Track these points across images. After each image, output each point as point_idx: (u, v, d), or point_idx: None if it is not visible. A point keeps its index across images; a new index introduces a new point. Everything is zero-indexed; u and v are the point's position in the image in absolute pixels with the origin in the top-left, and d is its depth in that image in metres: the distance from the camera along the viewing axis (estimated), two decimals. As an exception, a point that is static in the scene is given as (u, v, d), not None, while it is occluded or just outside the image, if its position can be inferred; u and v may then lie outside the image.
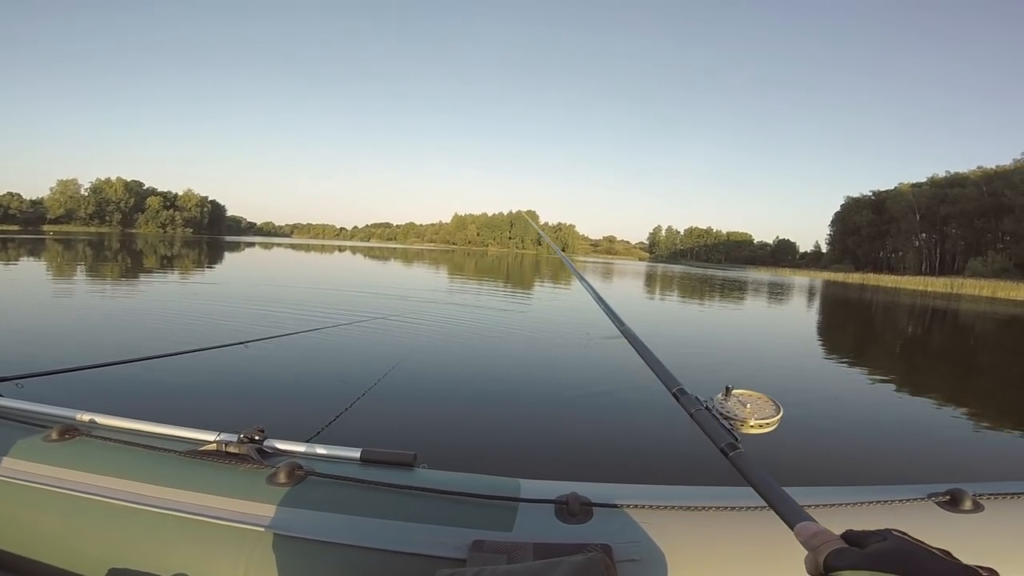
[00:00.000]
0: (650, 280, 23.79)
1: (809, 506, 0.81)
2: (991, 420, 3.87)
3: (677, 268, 51.18)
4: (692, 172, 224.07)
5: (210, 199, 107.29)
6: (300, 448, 1.01)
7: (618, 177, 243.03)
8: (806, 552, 0.44)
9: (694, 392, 0.75)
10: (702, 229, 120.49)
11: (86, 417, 1.09)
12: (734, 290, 19.13)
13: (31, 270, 11.40)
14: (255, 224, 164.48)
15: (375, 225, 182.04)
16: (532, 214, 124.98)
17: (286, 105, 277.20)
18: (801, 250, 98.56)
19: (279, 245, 48.69)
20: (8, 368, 1.31)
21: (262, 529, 0.81)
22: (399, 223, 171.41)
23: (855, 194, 74.00)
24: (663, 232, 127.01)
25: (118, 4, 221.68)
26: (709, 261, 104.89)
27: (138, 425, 1.07)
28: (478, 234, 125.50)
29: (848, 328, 11.04)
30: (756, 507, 0.82)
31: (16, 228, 63.14)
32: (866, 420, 3.65)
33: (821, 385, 4.40)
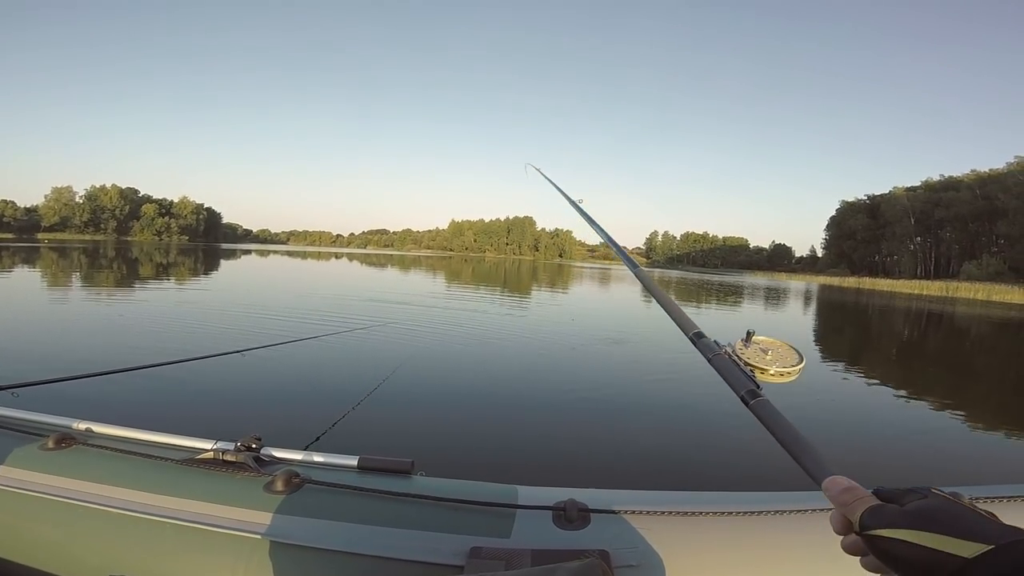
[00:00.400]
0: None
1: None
2: (988, 423, 3.89)
3: (674, 273, 51.30)
4: (688, 177, 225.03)
5: (206, 206, 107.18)
6: (297, 456, 1.01)
7: (615, 182, 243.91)
8: (832, 509, 0.41)
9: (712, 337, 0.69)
10: (698, 234, 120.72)
11: (82, 426, 1.08)
12: (731, 295, 19.18)
13: (26, 279, 11.34)
14: (251, 231, 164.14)
15: (372, 232, 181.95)
16: (529, 220, 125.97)
17: (282, 112, 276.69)
18: (797, 254, 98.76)
19: (275, 252, 48.60)
20: (4, 377, 1.31)
21: (259, 537, 0.80)
22: (396, 230, 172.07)
23: (850, 198, 74.43)
24: (659, 237, 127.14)
25: (112, 10, 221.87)
26: (705, 266, 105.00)
27: (135, 434, 1.07)
28: (475, 240, 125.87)
29: (844, 332, 11.07)
30: (754, 512, 0.82)
31: (10, 236, 62.63)
32: (862, 424, 3.66)
33: (816, 388, 4.41)
